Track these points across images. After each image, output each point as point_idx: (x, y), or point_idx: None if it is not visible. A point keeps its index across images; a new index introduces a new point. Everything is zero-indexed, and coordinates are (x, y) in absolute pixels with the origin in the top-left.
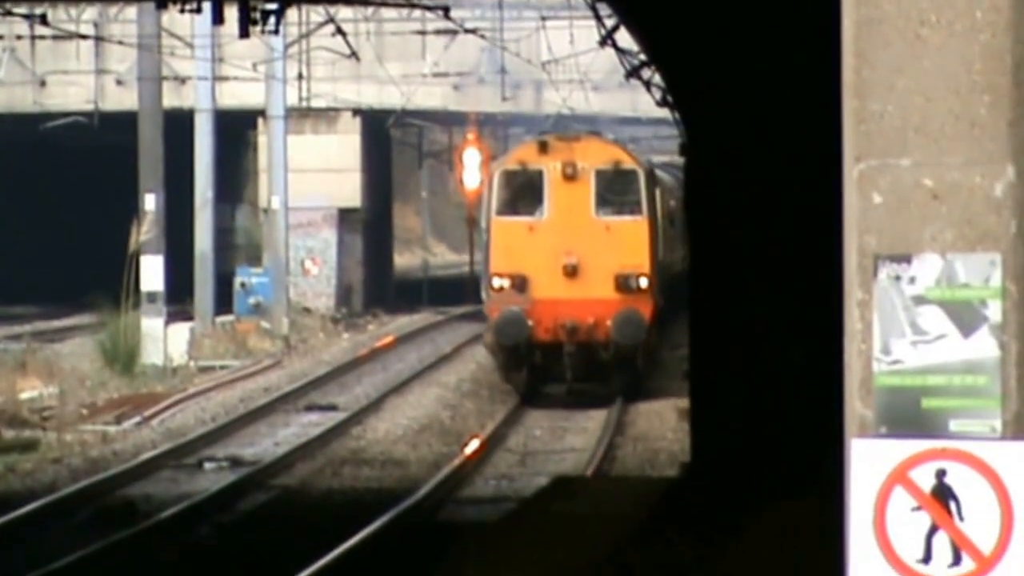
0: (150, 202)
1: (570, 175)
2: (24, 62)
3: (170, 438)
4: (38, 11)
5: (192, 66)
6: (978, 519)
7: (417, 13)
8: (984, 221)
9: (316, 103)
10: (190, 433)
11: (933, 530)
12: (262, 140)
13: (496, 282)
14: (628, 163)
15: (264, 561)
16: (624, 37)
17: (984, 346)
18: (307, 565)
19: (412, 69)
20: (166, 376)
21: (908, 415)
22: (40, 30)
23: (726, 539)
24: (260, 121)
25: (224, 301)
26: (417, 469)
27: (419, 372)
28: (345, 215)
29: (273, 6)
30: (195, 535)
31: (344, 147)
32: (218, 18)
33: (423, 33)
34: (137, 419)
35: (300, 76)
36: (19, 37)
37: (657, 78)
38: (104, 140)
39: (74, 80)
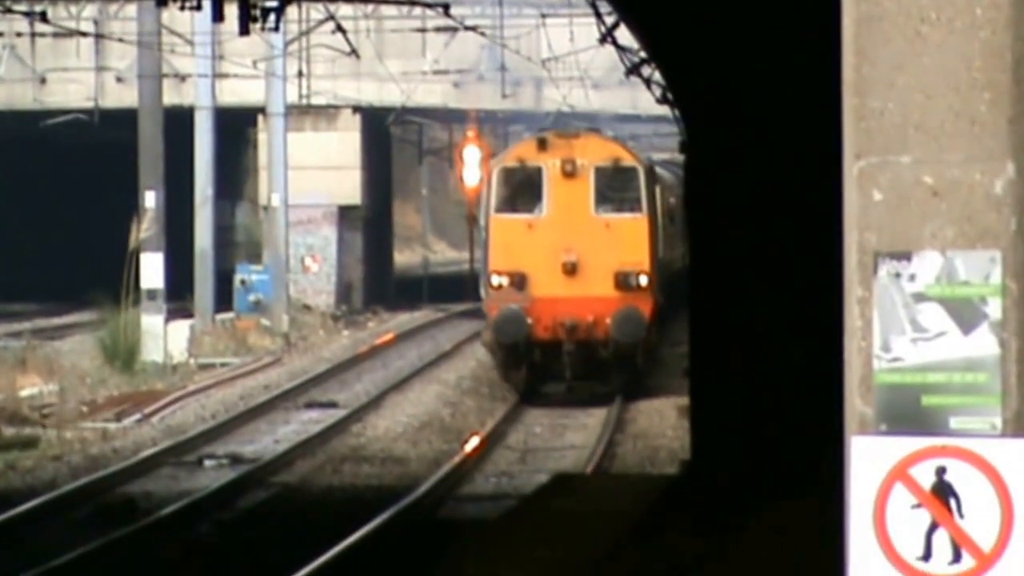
0: (150, 199)
1: (569, 172)
2: (24, 59)
3: (170, 435)
4: (38, 8)
5: (192, 63)
6: (978, 516)
7: (417, 10)
8: (984, 218)
9: (316, 100)
10: (190, 430)
11: (933, 527)
12: (262, 137)
13: (495, 280)
14: (628, 160)
15: (264, 558)
16: (624, 34)
17: (984, 343)
18: (308, 562)
19: (412, 66)
20: (166, 373)
21: (908, 412)
22: (40, 27)
23: (726, 537)
24: (260, 118)
25: (224, 298)
26: (417, 466)
27: (419, 369)
28: (345, 212)
29: (273, 3)
30: (195, 532)
31: (344, 144)
32: (218, 15)
33: (423, 30)
34: (137, 416)
35: (300, 73)
36: (19, 34)
37: (657, 75)
38: (104, 137)
39: (74, 77)
